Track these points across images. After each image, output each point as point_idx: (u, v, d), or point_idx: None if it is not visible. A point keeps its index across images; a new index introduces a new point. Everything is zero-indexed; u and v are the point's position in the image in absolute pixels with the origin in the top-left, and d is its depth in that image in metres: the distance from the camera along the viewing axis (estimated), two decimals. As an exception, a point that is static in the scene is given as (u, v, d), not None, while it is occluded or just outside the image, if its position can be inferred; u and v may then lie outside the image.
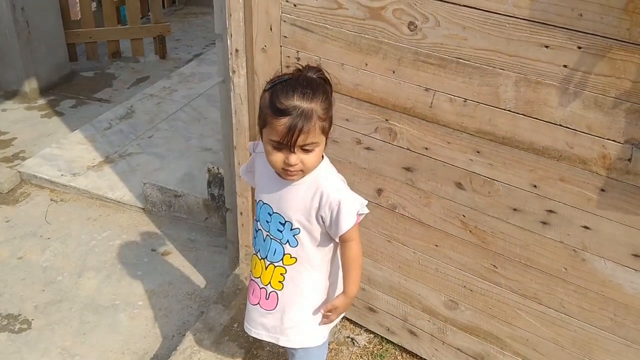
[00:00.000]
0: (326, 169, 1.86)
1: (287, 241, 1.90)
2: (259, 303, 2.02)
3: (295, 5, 2.19)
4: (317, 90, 1.69)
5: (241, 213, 2.77)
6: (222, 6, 2.46)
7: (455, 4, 1.87)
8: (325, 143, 1.77)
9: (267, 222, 1.92)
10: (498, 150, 1.99)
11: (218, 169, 3.47)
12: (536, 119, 1.87)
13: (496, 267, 2.18)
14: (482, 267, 2.21)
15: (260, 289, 2.00)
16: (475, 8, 1.85)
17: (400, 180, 2.24)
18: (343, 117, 2.25)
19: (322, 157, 1.85)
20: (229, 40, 2.39)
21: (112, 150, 4.37)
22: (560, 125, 1.84)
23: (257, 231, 1.99)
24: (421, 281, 2.39)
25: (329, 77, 1.78)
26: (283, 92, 1.67)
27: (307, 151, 1.71)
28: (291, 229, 1.88)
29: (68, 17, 5.45)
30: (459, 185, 2.12)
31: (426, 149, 2.13)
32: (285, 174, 1.79)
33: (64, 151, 4.35)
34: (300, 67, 1.75)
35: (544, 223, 2.00)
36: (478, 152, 2.02)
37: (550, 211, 1.97)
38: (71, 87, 5.47)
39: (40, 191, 4.07)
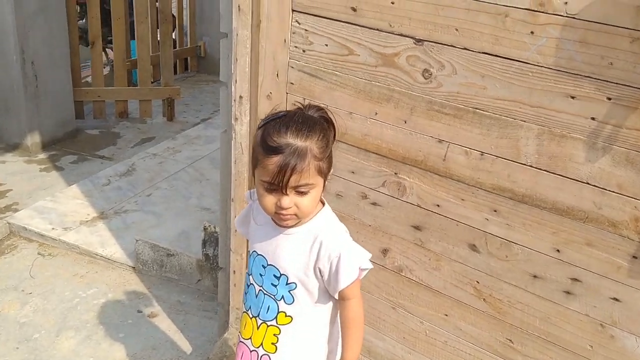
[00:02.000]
0: (327, 217, 1.69)
1: (282, 297, 1.70)
2: (247, 369, 1.80)
3: (304, 51, 2.07)
4: (313, 127, 1.54)
5: (234, 272, 2.57)
6: (228, 53, 2.36)
7: (474, 51, 1.75)
8: (324, 185, 1.61)
9: (261, 275, 1.74)
10: (517, 210, 1.81)
11: (214, 228, 3.30)
12: (560, 175, 1.71)
13: (512, 342, 1.96)
14: (497, 341, 1.99)
15: (251, 352, 1.79)
16: (495, 55, 1.72)
17: (409, 239, 2.06)
18: (349, 170, 2.10)
19: (323, 203, 1.69)
20: (233, 87, 2.27)
21: (108, 207, 4.22)
22: (588, 183, 1.68)
23: (248, 286, 1.80)
24: (428, 355, 2.17)
25: (332, 118, 1.63)
26: (276, 129, 1.52)
27: (301, 193, 1.54)
28: (286, 284, 1.69)
29: (78, 76, 5.41)
30: (473, 248, 1.93)
31: (438, 206, 1.96)
32: (278, 219, 1.62)
33: (57, 205, 4.19)
34: (302, 106, 1.61)
35: (568, 293, 1.80)
36: (495, 210, 1.85)
37: (575, 279, 1.78)
38: (74, 143, 5.38)
39: (29, 244, 3.89)
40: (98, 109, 5.63)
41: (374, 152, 2.04)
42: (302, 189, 1.54)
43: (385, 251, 2.14)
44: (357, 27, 1.94)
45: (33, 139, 5.06)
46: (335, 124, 1.64)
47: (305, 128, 1.53)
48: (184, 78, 7.04)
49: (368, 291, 2.21)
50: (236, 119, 2.31)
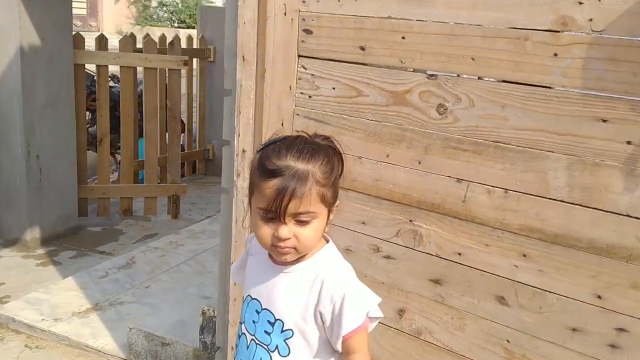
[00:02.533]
0: (331, 253, 1.49)
1: (276, 348, 1.47)
2: None
3: (310, 97, 1.97)
4: (317, 151, 1.39)
5: (232, 348, 2.33)
6: (231, 110, 2.26)
7: (493, 80, 1.63)
8: (328, 217, 1.43)
9: (254, 322, 1.51)
10: (549, 252, 1.62)
11: (214, 312, 3.07)
12: (596, 209, 1.54)
13: (552, 412, 1.70)
14: (534, 412, 1.73)
15: (240, 419, 1.53)
16: (516, 83, 1.61)
17: (427, 296, 1.85)
18: (359, 220, 1.93)
19: (328, 241, 1.50)
20: (235, 140, 2.15)
21: (103, 298, 3.99)
22: (628, 215, 1.50)
23: (239, 337, 1.57)
24: None
25: (339, 147, 1.48)
26: (275, 152, 1.37)
27: (301, 223, 1.36)
28: (282, 331, 1.46)
29: (84, 173, 5.35)
30: (502, 301, 1.72)
31: (459, 254, 1.77)
32: (276, 253, 1.42)
33: (50, 296, 3.98)
34: (306, 134, 1.47)
35: (613, 346, 1.57)
36: (524, 255, 1.66)
37: (621, 329, 1.56)
38: (75, 239, 5.24)
39: (16, 336, 3.65)
40: (102, 207, 5.53)
41: (386, 199, 1.88)
42: (302, 218, 1.36)
43: (401, 312, 1.92)
44: (366, 66, 1.85)
45: (32, 234, 4.92)
46: (342, 155, 1.50)
47: (307, 151, 1.38)
48: (191, 180, 6.99)
49: (383, 361, 1.97)
50: (238, 174, 2.18)
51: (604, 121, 1.49)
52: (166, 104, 5.59)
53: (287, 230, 1.35)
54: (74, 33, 4.90)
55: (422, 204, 1.81)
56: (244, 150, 2.16)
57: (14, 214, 4.85)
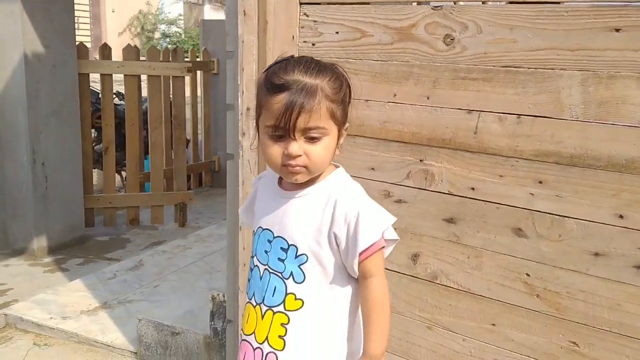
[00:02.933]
0: (342, 176, 1.45)
1: (291, 275, 1.41)
2: (252, 373, 1.47)
3: (314, 45, 1.94)
4: (325, 68, 1.37)
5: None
6: (234, 71, 2.24)
7: (499, 2, 1.60)
8: (338, 138, 1.39)
9: (266, 252, 1.46)
10: (567, 175, 1.57)
11: (224, 297, 3.00)
12: (613, 124, 1.49)
13: (577, 345, 1.62)
14: (558, 347, 1.65)
15: (254, 349, 1.46)
16: (523, 2, 1.57)
17: (442, 237, 1.79)
18: (367, 167, 1.88)
19: (337, 167, 1.46)
20: (239, 99, 2.12)
21: (112, 297, 3.94)
22: (646, 125, 1.45)
23: (251, 270, 1.51)
24: (475, 382, 1.81)
25: (345, 74, 1.45)
26: (282, 68, 1.35)
27: (311, 140, 1.33)
28: (296, 257, 1.41)
29: (89, 183, 5.33)
30: (519, 232, 1.66)
31: (472, 189, 1.71)
32: (286, 174, 1.38)
33: (58, 297, 3.93)
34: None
35: (639, 268, 1.50)
36: (540, 182, 1.61)
37: (646, 248, 1.49)
38: (82, 248, 5.19)
39: (24, 335, 3.59)
40: (109, 217, 5.49)
41: (395, 141, 1.83)
42: (312, 134, 1.33)
43: (415, 257, 1.86)
44: (369, 5, 1.82)
45: (39, 243, 4.87)
46: (349, 80, 1.46)
47: (315, 66, 1.36)
48: (198, 192, 6.95)
49: (398, 311, 1.90)
50: (243, 133, 2.14)
51: (617, 30, 1.45)
52: (171, 113, 5.58)
53: (297, 146, 1.32)
54: (77, 43, 4.92)
55: (432, 141, 1.76)
56: (248, 109, 2.12)
57: (21, 224, 4.82)
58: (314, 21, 1.92)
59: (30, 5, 4.40)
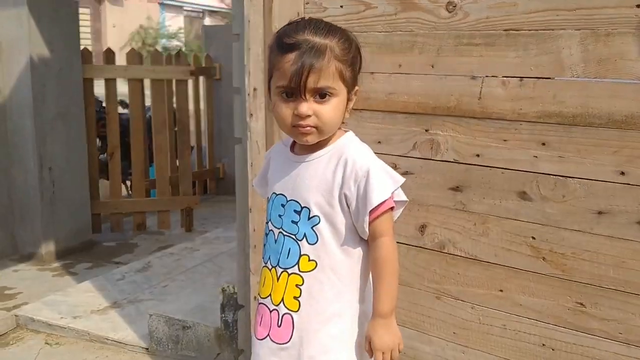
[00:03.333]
0: (352, 140, 1.48)
1: (304, 236, 1.44)
2: (268, 335, 1.49)
3: (318, 22, 1.97)
4: (334, 29, 1.41)
5: (255, 297, 2.28)
6: (241, 55, 2.27)
7: (499, -32, 1.64)
8: (348, 100, 1.42)
9: (280, 216, 1.49)
10: (569, 135, 1.60)
11: (234, 289, 3.01)
12: (613, 80, 1.52)
13: (584, 306, 1.64)
14: (565, 309, 1.67)
15: (271, 312, 1.48)
16: (522, -33, 1.61)
17: (448, 206, 1.81)
18: (374, 140, 1.91)
19: (347, 131, 1.49)
20: (246, 79, 2.15)
21: (122, 297, 3.96)
22: (646, 80, 1.48)
23: (266, 235, 1.54)
24: (485, 349, 1.82)
25: (356, 39, 1.48)
26: (292, 28, 1.40)
27: (321, 100, 1.36)
28: (309, 218, 1.43)
29: (96, 189, 5.36)
30: (524, 196, 1.68)
31: (477, 155, 1.74)
32: (297, 134, 1.41)
33: (68, 297, 3.95)
34: None
35: (643, 223, 1.52)
36: (543, 144, 1.63)
37: (649, 204, 1.51)
38: (90, 253, 5.21)
39: (36, 335, 3.60)
40: (115, 222, 5.51)
41: (400, 112, 1.86)
42: (322, 94, 1.36)
43: (423, 228, 1.88)
44: (373, -22, 1.85)
45: (47, 248, 4.89)
46: (359, 44, 1.49)
47: (324, 27, 1.40)
48: (203, 199, 6.96)
49: (407, 283, 1.92)
50: (251, 115, 2.17)
51: (614, -12, 1.48)
52: (175, 117, 5.62)
53: (307, 106, 1.35)
54: (81, 48, 4.97)
55: (437, 110, 1.79)
56: (255, 89, 2.16)
57: (28, 229, 4.84)
58: (318, -3, 1.96)
59: (36, 10, 4.45)
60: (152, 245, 5.46)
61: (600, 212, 1.58)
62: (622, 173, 1.53)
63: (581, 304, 1.64)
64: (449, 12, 1.72)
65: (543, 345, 1.72)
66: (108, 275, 4.38)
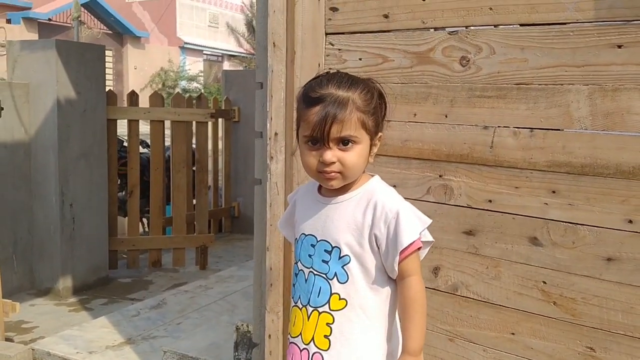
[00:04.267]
0: (379, 183, 1.55)
1: (335, 275, 1.50)
2: (299, 373, 1.54)
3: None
4: (356, 81, 1.49)
5: (269, 336, 2.33)
6: (263, 102, 2.38)
7: (511, 25, 1.73)
8: (371, 147, 1.50)
9: (310, 256, 1.55)
10: (578, 184, 1.66)
11: (248, 327, 3.06)
12: (620, 133, 1.59)
13: (594, 350, 1.68)
14: (576, 353, 1.71)
15: (301, 351, 1.53)
16: (533, 24, 1.71)
17: (461, 249, 1.87)
18: (390, 184, 1.95)
19: (373, 175, 1.57)
20: (268, 124, 2.25)
21: (136, 334, 4.00)
22: (651, 133, 1.55)
23: (297, 275, 1.60)
24: (496, 392, 1.86)
25: (381, 88, 1.57)
26: (317, 83, 1.49)
27: (345, 146, 1.44)
28: (339, 258, 1.50)
29: (114, 225, 5.46)
30: (535, 241, 1.74)
31: (490, 201, 1.81)
32: (323, 179, 1.49)
33: (84, 333, 4.00)
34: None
35: (650, 270, 1.58)
36: (553, 192, 1.70)
37: (656, 251, 1.56)
38: (105, 289, 5.29)
39: (51, 369, 3.64)
40: (132, 259, 5.60)
41: (415, 158, 1.94)
42: (345, 142, 1.44)
43: (436, 270, 1.94)
44: (390, 32, 1.96)
45: (65, 284, 4.97)
46: (383, 91, 1.58)
47: (347, 80, 1.49)
48: (218, 237, 7.04)
49: (420, 324, 1.96)
50: (271, 157, 2.26)
51: (619, 47, 1.57)
52: (194, 157, 5.74)
53: (331, 154, 1.43)
54: (107, 90, 5.13)
55: (450, 157, 1.86)
56: (276, 134, 2.25)
57: (47, 264, 4.93)
58: (339, 49, 2.07)
59: (65, 52, 4.62)
60: (167, 282, 5.53)
61: (609, 259, 1.63)
62: (630, 221, 1.59)
63: (591, 348, 1.68)
64: (463, 66, 1.81)
65: (554, 388, 1.75)
66: (123, 312, 4.45)
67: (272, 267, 2.31)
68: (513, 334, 1.81)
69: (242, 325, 3.10)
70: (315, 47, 2.12)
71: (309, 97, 1.45)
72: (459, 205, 1.86)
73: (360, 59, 2.02)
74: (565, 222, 1.69)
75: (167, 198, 5.88)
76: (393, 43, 1.95)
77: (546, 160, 1.70)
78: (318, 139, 1.43)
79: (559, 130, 1.67)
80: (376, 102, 1.51)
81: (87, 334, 4.02)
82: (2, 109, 4.10)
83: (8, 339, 4.05)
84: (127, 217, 5.71)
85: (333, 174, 1.45)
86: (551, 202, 1.70)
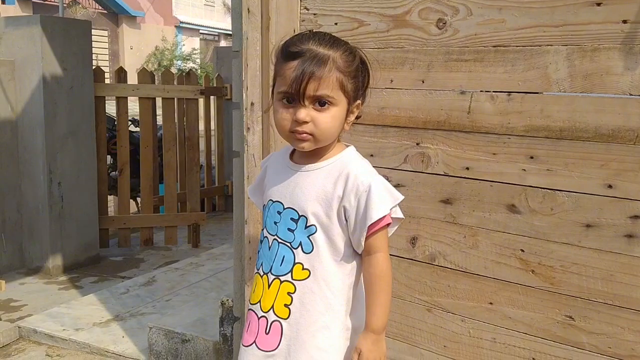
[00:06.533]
0: (353, 154, 1.49)
1: (300, 245, 1.45)
2: (254, 342, 1.50)
3: (313, 38, 2.01)
4: (339, 42, 1.43)
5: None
6: (240, 71, 2.31)
7: (488, -15, 1.67)
8: (348, 112, 1.44)
9: (276, 223, 1.50)
10: (556, 149, 1.61)
11: (233, 302, 3.03)
12: (599, 95, 1.53)
13: (573, 319, 1.64)
14: (554, 322, 1.67)
15: (259, 318, 1.50)
16: (510, -16, 1.64)
17: (439, 218, 1.83)
18: (367, 153, 1.93)
19: (348, 145, 1.51)
20: (244, 94, 2.19)
21: (124, 311, 3.98)
22: (631, 94, 1.50)
23: (261, 242, 1.56)
24: (475, 363, 1.82)
25: (365, 56, 1.51)
26: (298, 38, 1.43)
27: (320, 107, 1.38)
28: (306, 227, 1.44)
29: (104, 204, 5.42)
30: (512, 209, 1.69)
31: (467, 169, 1.76)
32: (294, 140, 1.42)
33: (71, 310, 3.98)
34: None
35: (630, 236, 1.53)
36: (531, 157, 1.65)
37: (636, 217, 1.52)
38: (96, 267, 5.26)
39: (38, 347, 3.62)
40: (123, 237, 5.57)
41: (392, 126, 1.88)
42: (320, 102, 1.38)
43: (414, 240, 1.89)
44: (366, -5, 1.89)
45: (55, 262, 4.94)
46: (367, 60, 1.51)
47: (330, 39, 1.42)
48: (211, 216, 7.01)
49: (398, 295, 1.93)
50: (248, 128, 2.20)
51: (598, 4, 1.51)
52: (184, 134, 5.68)
53: (305, 112, 1.37)
54: (94, 67, 5.05)
55: (428, 124, 1.81)
56: (252, 103, 2.19)
57: (37, 243, 4.90)
58: (314, 14, 2.00)
59: (50, 28, 4.54)
60: (158, 260, 5.51)
61: (588, 225, 1.59)
62: (610, 186, 1.54)
63: (570, 317, 1.64)
64: (439, 29, 1.75)
65: (533, 359, 1.72)
66: (112, 289, 4.43)
67: (250, 240, 2.27)
68: (491, 303, 1.77)
69: (227, 300, 3.06)
70: (290, 13, 2.06)
71: (288, 50, 1.39)
72: (436, 174, 1.81)
73: (335, 24, 1.96)
74: (544, 188, 1.64)
75: (160, 177, 5.83)
76: (369, 6, 1.88)
77: (524, 124, 1.64)
78: (293, 95, 1.37)
79: (537, 93, 1.62)
80: (357, 66, 1.45)
81: (75, 311, 4.00)
82: (-16, 85, 4.02)
83: (-5, 317, 4.03)
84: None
85: (305, 135, 1.39)
86: (529, 168, 1.65)
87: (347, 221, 1.42)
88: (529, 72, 1.62)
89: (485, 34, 1.68)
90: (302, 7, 2.02)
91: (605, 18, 1.50)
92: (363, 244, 1.41)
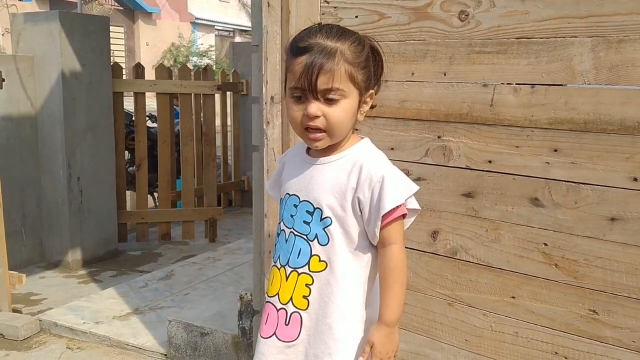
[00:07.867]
0: (367, 145, 1.49)
1: (316, 237, 1.45)
2: (274, 333, 1.51)
3: (334, 31, 2.01)
4: (347, 32, 1.42)
5: (270, 303, 2.29)
6: (259, 65, 2.31)
7: (511, -23, 1.65)
8: (360, 103, 1.43)
9: (292, 216, 1.51)
10: (581, 142, 1.59)
11: (251, 296, 3.03)
12: (625, 87, 1.51)
13: (597, 313, 1.62)
14: (578, 316, 1.65)
15: (278, 310, 1.50)
16: (534, -25, 1.62)
17: (460, 212, 1.82)
18: (387, 147, 1.92)
19: (363, 137, 1.51)
20: (264, 88, 2.19)
21: (144, 304, 4.01)
22: (658, 86, 1.47)
23: (278, 235, 1.56)
24: (497, 357, 1.81)
25: (378, 46, 1.50)
26: (306, 32, 1.43)
27: (330, 102, 1.37)
28: (321, 219, 1.45)
29: (123, 198, 5.45)
30: (536, 202, 1.68)
31: (489, 162, 1.74)
32: (307, 136, 1.43)
33: (91, 304, 4.02)
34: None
35: (655, 230, 1.51)
36: (555, 150, 1.63)
37: (662, 210, 1.50)
38: (115, 262, 5.30)
39: (58, 340, 3.66)
40: (141, 232, 5.60)
41: (413, 119, 1.87)
42: (331, 95, 1.38)
43: (435, 234, 1.88)
44: (387, -12, 1.88)
45: (74, 256, 4.98)
46: (381, 51, 1.51)
47: (337, 31, 1.42)
48: (227, 211, 7.03)
49: (418, 289, 1.92)
50: (268, 122, 2.20)
51: (625, -5, 1.49)
52: (201, 130, 5.70)
53: (316, 107, 1.37)
54: (112, 63, 5.08)
55: (449, 117, 1.80)
56: (272, 97, 2.19)
57: (57, 237, 4.94)
58: (334, 7, 2.00)
59: (68, 24, 4.57)
60: (176, 254, 5.54)
61: (613, 219, 1.57)
62: (635, 179, 1.52)
63: (594, 311, 1.63)
64: (462, 21, 1.74)
65: (556, 353, 1.70)
66: (131, 283, 4.46)
67: (270, 234, 2.27)
68: (513, 297, 1.76)
69: (246, 294, 3.07)
70: (310, 6, 2.05)
71: (297, 46, 1.40)
72: (458, 167, 1.80)
73: (356, 17, 1.95)
74: (568, 181, 1.62)
75: (178, 171, 5.85)
76: (390, -1, 1.87)
77: (548, 117, 1.63)
78: (303, 90, 1.37)
79: (561, 85, 1.60)
80: (367, 56, 1.44)
81: (95, 304, 4.04)
82: (4, 80, 4.06)
83: (16, 310, 4.07)
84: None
85: (318, 132, 1.39)
86: (553, 161, 1.63)
87: (361, 212, 1.41)
88: (553, 64, 1.60)
89: (508, 26, 1.66)
90: (322, 0, 2.02)
91: (631, 9, 1.48)
92: (378, 235, 1.41)
